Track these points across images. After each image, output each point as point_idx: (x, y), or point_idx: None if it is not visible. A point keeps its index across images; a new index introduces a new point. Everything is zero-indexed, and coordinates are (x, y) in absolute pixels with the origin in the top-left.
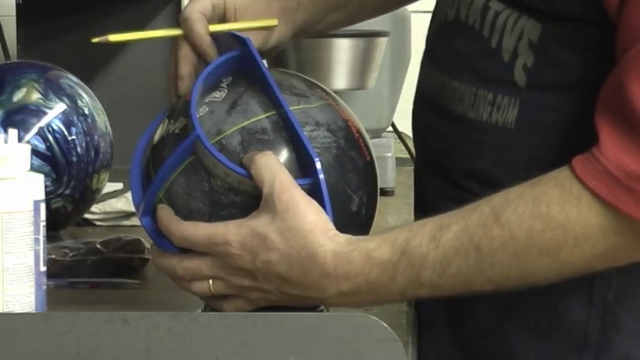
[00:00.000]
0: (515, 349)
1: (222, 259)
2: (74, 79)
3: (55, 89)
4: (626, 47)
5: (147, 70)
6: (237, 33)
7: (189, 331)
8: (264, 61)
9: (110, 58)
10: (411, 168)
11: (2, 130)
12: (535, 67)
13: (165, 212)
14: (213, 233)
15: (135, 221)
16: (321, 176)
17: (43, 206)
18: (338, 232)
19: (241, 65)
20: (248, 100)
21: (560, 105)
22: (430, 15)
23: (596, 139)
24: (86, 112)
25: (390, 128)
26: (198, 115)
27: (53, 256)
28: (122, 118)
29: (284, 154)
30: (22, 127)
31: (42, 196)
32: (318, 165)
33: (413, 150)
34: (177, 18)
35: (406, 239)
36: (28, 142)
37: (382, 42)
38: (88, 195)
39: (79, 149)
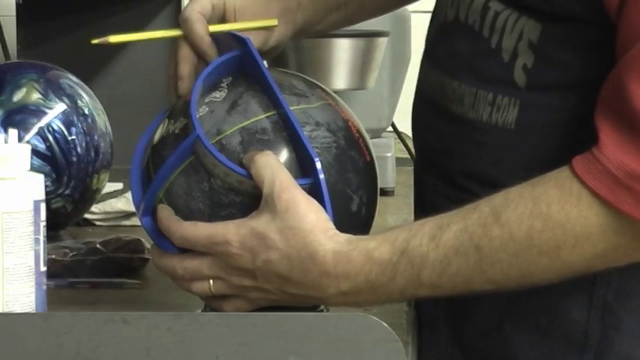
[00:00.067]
0: (516, 349)
1: (223, 259)
2: (74, 79)
3: (55, 89)
4: (626, 47)
5: (147, 70)
6: (237, 33)
7: (189, 331)
8: (264, 61)
9: (110, 58)
10: (411, 168)
11: (2, 130)
12: (535, 68)
13: (165, 212)
14: (213, 233)
15: (135, 221)
16: (321, 176)
17: (43, 206)
18: (338, 232)
19: (241, 65)
20: (248, 100)
21: (560, 105)
22: (430, 15)
23: (596, 139)
24: (86, 112)
25: (390, 128)
26: (198, 115)
27: (53, 256)
28: (122, 118)
29: (284, 154)
30: (22, 127)
31: (42, 196)
32: (318, 165)
33: (413, 150)
34: (177, 18)
35: (406, 239)
36: (28, 142)
37: (382, 42)
38: (88, 195)
39: (79, 149)
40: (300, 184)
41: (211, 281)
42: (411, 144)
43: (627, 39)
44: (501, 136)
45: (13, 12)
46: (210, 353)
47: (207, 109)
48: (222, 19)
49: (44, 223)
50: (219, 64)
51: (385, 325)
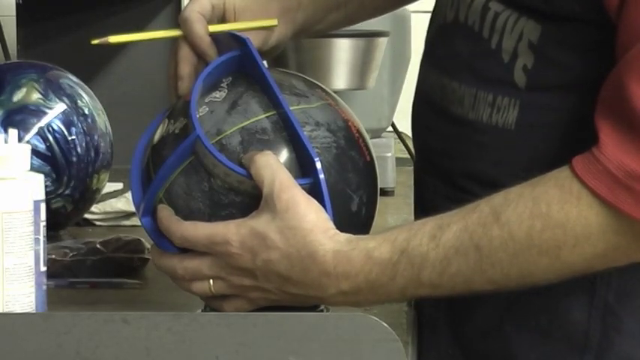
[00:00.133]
0: (516, 349)
1: (223, 259)
2: (74, 79)
3: (55, 89)
4: (626, 47)
5: (147, 70)
6: (237, 33)
7: (189, 331)
8: (264, 62)
9: (110, 58)
10: (411, 168)
11: (2, 130)
12: (535, 68)
13: (165, 212)
14: (213, 233)
15: (135, 221)
16: (321, 176)
17: (43, 206)
18: (338, 232)
19: (241, 65)
20: (248, 100)
21: (560, 105)
22: (430, 15)
23: (596, 139)
24: (86, 112)
25: (390, 128)
26: (198, 115)
27: (53, 256)
28: (122, 118)
29: (284, 154)
30: (22, 127)
31: (42, 196)
32: (318, 165)
33: (413, 150)
34: (177, 18)
35: (406, 239)
36: (28, 142)
37: (382, 42)
38: (88, 195)
39: (79, 149)
40: (300, 184)
41: (211, 281)
42: (411, 144)
43: (627, 39)
44: (501, 136)
45: (13, 12)
46: (210, 353)
47: (207, 109)
48: (222, 19)
49: (44, 223)
50: (219, 64)
51: (385, 325)
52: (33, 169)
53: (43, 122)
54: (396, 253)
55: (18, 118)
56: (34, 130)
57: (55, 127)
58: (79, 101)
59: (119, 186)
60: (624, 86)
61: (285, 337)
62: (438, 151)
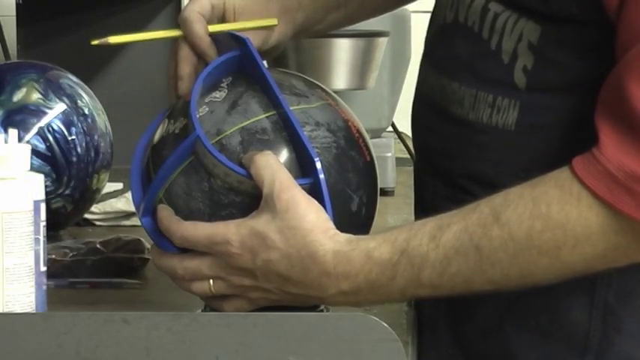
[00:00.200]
0: (516, 349)
1: (223, 259)
2: (74, 79)
3: (55, 89)
4: (625, 47)
5: (147, 70)
6: (237, 33)
7: (189, 331)
8: (264, 62)
9: (110, 58)
10: (411, 168)
11: (2, 130)
12: (535, 69)
13: (165, 212)
14: (213, 233)
15: (135, 221)
16: (321, 176)
17: (43, 206)
18: (338, 232)
19: (241, 65)
20: (248, 100)
21: (560, 106)
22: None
23: (596, 139)
24: (86, 112)
25: (390, 128)
26: (198, 115)
27: (53, 256)
28: (122, 118)
29: (284, 154)
30: (22, 127)
31: (42, 196)
32: (318, 165)
33: (413, 150)
34: (177, 18)
35: (406, 239)
36: (28, 142)
37: (382, 42)
38: (88, 195)
39: (79, 149)
40: (300, 184)
41: (211, 281)
42: (411, 144)
43: (627, 39)
44: (501, 137)
45: (13, 12)
46: (210, 353)
47: (207, 109)
48: (222, 19)
49: (44, 223)
50: (219, 64)
51: (385, 325)
52: (33, 169)
53: (43, 122)
54: (396, 253)
55: (18, 118)
56: (34, 130)
57: (55, 127)
58: (79, 101)
59: (119, 186)
60: (624, 87)
61: (285, 337)
62: (438, 152)
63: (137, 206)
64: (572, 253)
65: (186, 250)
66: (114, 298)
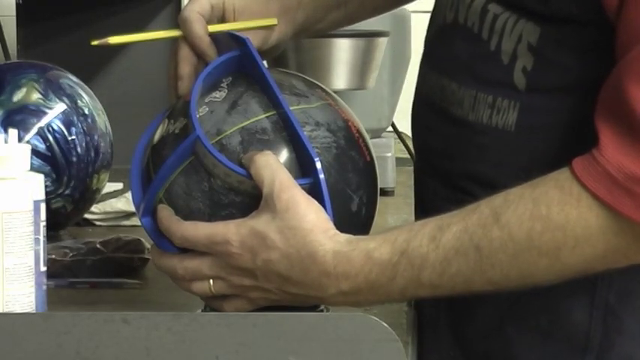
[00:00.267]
0: (517, 350)
1: (223, 259)
2: (74, 79)
3: (55, 89)
4: (625, 48)
5: (147, 70)
6: (237, 33)
7: (189, 331)
8: (264, 62)
9: (110, 58)
10: (411, 168)
11: (2, 130)
12: (534, 70)
13: (165, 212)
14: (213, 233)
15: (135, 221)
16: (321, 176)
17: (43, 206)
18: (338, 232)
19: (241, 65)
20: (248, 100)
21: (560, 107)
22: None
23: (596, 140)
24: (86, 112)
25: (390, 128)
26: (198, 115)
27: (53, 256)
28: (122, 118)
29: (284, 154)
30: (22, 127)
31: (42, 196)
32: (318, 165)
33: (413, 150)
34: (177, 18)
35: (406, 239)
36: (28, 142)
37: (382, 42)
38: (88, 195)
39: (79, 149)
40: (300, 184)
41: (211, 281)
42: (411, 144)
43: (627, 40)
44: (501, 138)
45: (13, 12)
46: (210, 353)
47: (207, 109)
48: (222, 19)
49: (44, 223)
50: (218, 64)
51: (385, 325)
52: (33, 169)
53: (43, 122)
54: (396, 253)
55: (18, 118)
56: (34, 130)
57: (55, 127)
58: (79, 101)
59: (119, 186)
60: (624, 88)
61: (285, 337)
62: (438, 152)
63: (137, 206)
64: (572, 254)
65: (186, 250)
66: (114, 298)
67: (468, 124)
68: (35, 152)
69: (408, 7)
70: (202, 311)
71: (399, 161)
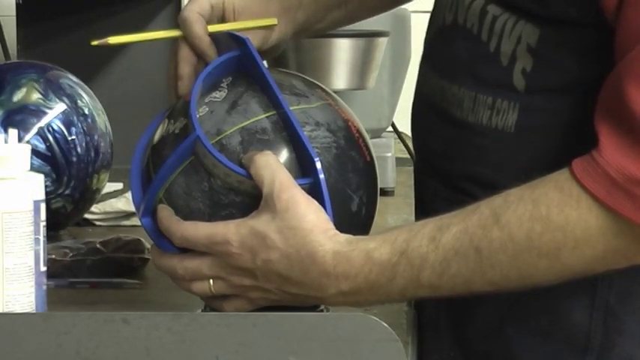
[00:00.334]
0: (517, 350)
1: (223, 259)
2: (74, 79)
3: (55, 89)
4: (624, 49)
5: (147, 70)
6: (237, 33)
7: (189, 331)
8: (264, 62)
9: (110, 58)
10: (411, 168)
11: (2, 130)
12: (534, 71)
13: (165, 212)
14: (213, 233)
15: (135, 221)
16: (321, 176)
17: (43, 206)
18: (338, 232)
19: (241, 65)
20: (248, 100)
21: (559, 108)
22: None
23: (596, 141)
24: (86, 112)
25: (390, 128)
26: (198, 115)
27: (53, 256)
28: (122, 118)
29: (284, 154)
30: (22, 127)
31: (42, 196)
32: (318, 165)
33: (413, 150)
34: (177, 18)
35: (406, 240)
36: (28, 142)
37: (382, 42)
38: (88, 195)
39: (79, 149)
40: (300, 184)
41: (211, 281)
42: (411, 144)
43: (626, 41)
44: (501, 139)
45: (13, 12)
46: (210, 353)
47: (207, 109)
48: (222, 19)
49: (44, 223)
50: (218, 64)
51: (385, 325)
52: (33, 169)
53: (43, 122)
54: (396, 254)
55: (18, 118)
56: (34, 130)
57: (55, 127)
58: (79, 101)
59: (119, 186)
60: (623, 90)
61: (285, 337)
62: (438, 153)
63: (137, 206)
64: (571, 254)
65: (186, 250)
66: (114, 298)
67: (467, 126)
68: (35, 152)
69: (408, 7)
70: (202, 311)
71: (399, 161)
